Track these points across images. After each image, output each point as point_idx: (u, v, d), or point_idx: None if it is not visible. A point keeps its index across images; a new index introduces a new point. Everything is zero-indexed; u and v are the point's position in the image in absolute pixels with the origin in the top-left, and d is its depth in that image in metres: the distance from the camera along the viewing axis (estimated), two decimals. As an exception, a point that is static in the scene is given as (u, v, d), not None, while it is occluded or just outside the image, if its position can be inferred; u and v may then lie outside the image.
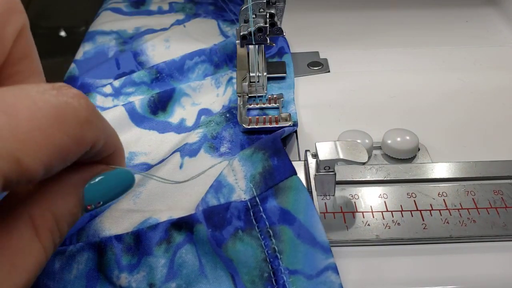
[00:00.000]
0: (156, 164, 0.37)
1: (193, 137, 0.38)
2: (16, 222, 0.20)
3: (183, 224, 0.30)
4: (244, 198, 0.29)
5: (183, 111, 0.42)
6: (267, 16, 0.37)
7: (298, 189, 0.29)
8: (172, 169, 0.35)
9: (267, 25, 0.37)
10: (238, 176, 0.30)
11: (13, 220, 0.20)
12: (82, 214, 0.24)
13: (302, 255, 0.27)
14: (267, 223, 0.28)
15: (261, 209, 0.28)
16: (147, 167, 0.37)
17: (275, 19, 0.37)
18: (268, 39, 0.38)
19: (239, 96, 0.41)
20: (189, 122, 0.41)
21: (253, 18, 0.37)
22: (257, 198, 0.29)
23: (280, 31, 0.38)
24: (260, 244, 0.28)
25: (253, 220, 0.28)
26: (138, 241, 0.30)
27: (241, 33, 0.38)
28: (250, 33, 0.37)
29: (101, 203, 0.23)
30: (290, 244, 0.27)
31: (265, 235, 0.28)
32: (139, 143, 0.39)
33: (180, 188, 0.34)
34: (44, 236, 0.20)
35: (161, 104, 0.41)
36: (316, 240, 0.27)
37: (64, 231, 0.22)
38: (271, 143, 0.31)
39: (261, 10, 0.37)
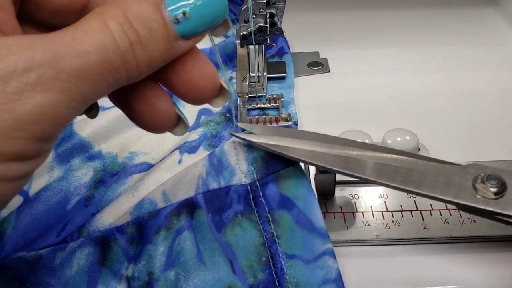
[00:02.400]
0: (156, 164, 0.37)
1: (193, 136, 0.38)
2: (86, 16, 0.20)
3: (183, 209, 0.30)
4: (245, 182, 0.29)
5: (183, 111, 0.42)
6: (267, 16, 0.37)
7: (299, 177, 0.29)
8: (171, 164, 0.35)
9: (267, 25, 0.37)
10: (240, 157, 0.30)
11: (85, 17, 0.20)
12: (172, 31, 0.21)
13: (300, 240, 0.27)
14: (266, 208, 0.28)
15: (261, 194, 0.29)
16: (148, 166, 0.37)
17: (275, 19, 0.37)
18: (268, 39, 0.38)
19: (239, 96, 0.41)
20: (189, 122, 0.41)
21: (253, 18, 0.37)
22: (257, 183, 0.29)
23: (280, 31, 0.38)
24: (259, 228, 0.28)
25: (253, 205, 0.28)
26: (140, 230, 0.30)
27: (241, 33, 0.38)
28: (250, 33, 0.37)
29: (187, 14, 0.20)
30: (288, 229, 0.28)
31: (264, 220, 0.28)
32: (139, 142, 0.39)
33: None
34: (112, 25, 0.19)
35: None
36: (314, 226, 0.27)
37: (142, 32, 0.20)
38: None
39: (261, 10, 0.37)
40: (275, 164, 0.29)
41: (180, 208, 0.30)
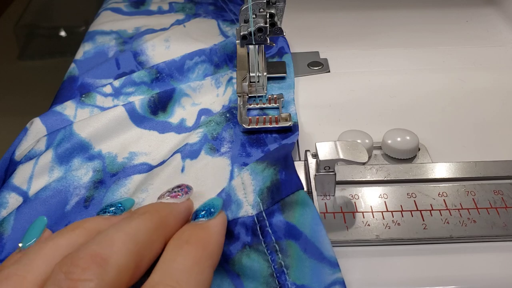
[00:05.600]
0: (157, 165, 0.37)
1: (194, 137, 0.38)
2: None
3: None
4: (251, 213, 0.29)
5: (183, 111, 0.42)
6: (267, 16, 0.37)
7: (304, 203, 0.28)
8: (174, 172, 0.35)
9: (267, 25, 0.37)
10: (247, 190, 0.30)
11: None
12: None
13: (309, 269, 0.27)
14: (273, 238, 0.28)
15: (268, 224, 0.28)
16: (148, 167, 0.37)
17: (275, 19, 0.37)
18: (268, 39, 0.38)
19: (239, 96, 0.41)
20: (189, 123, 0.41)
21: (253, 18, 0.37)
22: (263, 213, 0.29)
23: (280, 31, 0.38)
24: (267, 259, 0.28)
25: (260, 235, 0.28)
26: None
27: (241, 33, 0.38)
28: (250, 33, 0.37)
29: None
30: (296, 258, 0.27)
31: (272, 250, 0.28)
32: (139, 143, 0.39)
33: None
34: None
35: (161, 104, 0.41)
36: (323, 255, 0.27)
37: None
38: (283, 159, 0.31)
39: (261, 10, 0.37)
40: (280, 192, 0.29)
41: None
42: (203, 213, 0.28)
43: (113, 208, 0.29)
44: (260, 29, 0.37)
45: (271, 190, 0.30)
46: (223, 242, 0.28)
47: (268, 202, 0.29)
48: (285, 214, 0.28)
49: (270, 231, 0.28)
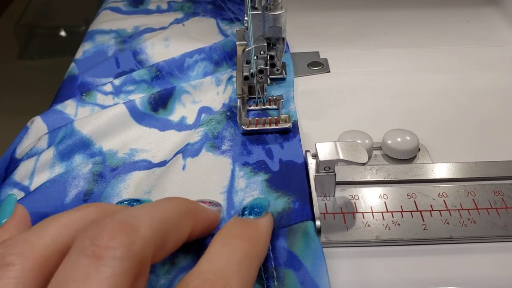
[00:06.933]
0: (157, 164, 0.37)
1: (195, 136, 0.38)
2: None
3: (191, 248, 0.29)
4: None
5: (184, 109, 0.42)
6: (268, 58, 0.39)
7: (310, 235, 0.28)
8: (175, 170, 0.35)
9: (268, 67, 0.39)
10: None
11: None
12: None
13: None
14: (273, 263, 0.28)
15: (270, 247, 0.28)
16: (148, 164, 0.37)
17: (275, 60, 0.40)
18: (268, 79, 0.40)
19: (239, 98, 0.41)
20: (190, 120, 0.41)
21: (255, 59, 0.39)
22: None
23: (280, 72, 0.43)
24: (263, 283, 0.27)
25: None
26: None
27: (244, 74, 0.39)
28: (252, 74, 0.39)
29: None
30: None
31: (269, 275, 0.27)
32: (140, 140, 0.39)
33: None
34: None
35: (161, 101, 0.42)
36: None
37: None
38: (299, 191, 0.31)
39: (262, 52, 0.39)
40: (290, 219, 0.29)
41: (190, 248, 0.29)
42: (250, 211, 0.27)
43: (128, 202, 0.29)
44: (261, 71, 0.39)
45: (281, 215, 0.30)
46: (268, 244, 0.27)
47: (275, 225, 0.29)
48: (289, 242, 0.28)
49: (271, 255, 0.28)
